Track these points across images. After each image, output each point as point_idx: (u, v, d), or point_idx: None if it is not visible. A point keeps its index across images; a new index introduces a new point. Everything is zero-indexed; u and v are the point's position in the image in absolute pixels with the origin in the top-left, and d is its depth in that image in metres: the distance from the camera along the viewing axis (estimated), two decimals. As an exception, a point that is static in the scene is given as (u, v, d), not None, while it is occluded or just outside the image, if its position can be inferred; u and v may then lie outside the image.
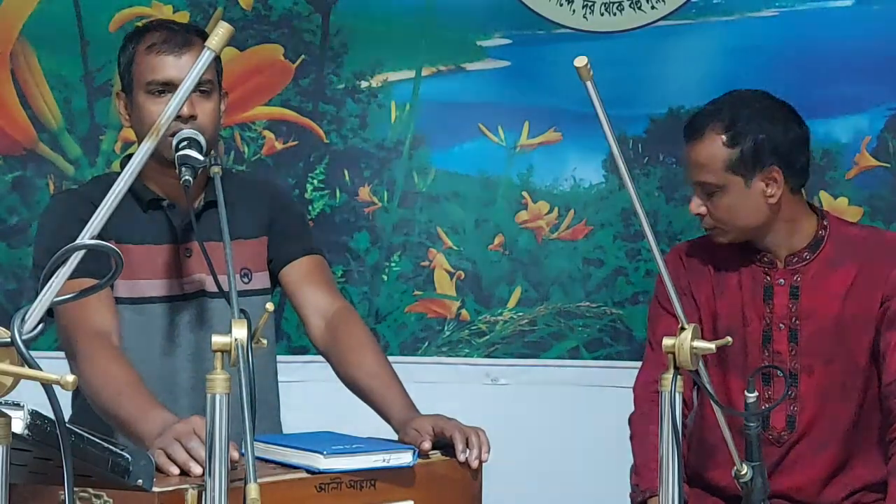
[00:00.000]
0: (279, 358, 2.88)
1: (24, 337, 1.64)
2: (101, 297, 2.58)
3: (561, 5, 3.75)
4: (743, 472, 2.30)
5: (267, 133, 3.85)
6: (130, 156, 1.97)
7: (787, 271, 2.90)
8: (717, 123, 2.84)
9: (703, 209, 2.87)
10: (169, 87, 2.59)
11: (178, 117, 2.53)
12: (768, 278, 2.91)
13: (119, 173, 1.84)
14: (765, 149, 2.82)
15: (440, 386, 3.60)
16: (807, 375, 2.88)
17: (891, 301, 2.85)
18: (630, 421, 2.97)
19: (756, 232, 2.88)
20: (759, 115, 2.85)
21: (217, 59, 2.67)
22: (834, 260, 2.89)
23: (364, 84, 3.84)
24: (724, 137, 2.83)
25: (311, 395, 3.36)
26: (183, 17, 3.74)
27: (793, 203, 2.89)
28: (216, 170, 2.45)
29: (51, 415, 1.73)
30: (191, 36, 2.65)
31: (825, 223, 2.93)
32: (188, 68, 1.90)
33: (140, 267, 2.66)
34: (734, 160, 2.83)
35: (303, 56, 3.84)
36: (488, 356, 3.83)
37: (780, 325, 2.89)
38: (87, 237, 1.76)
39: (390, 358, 2.76)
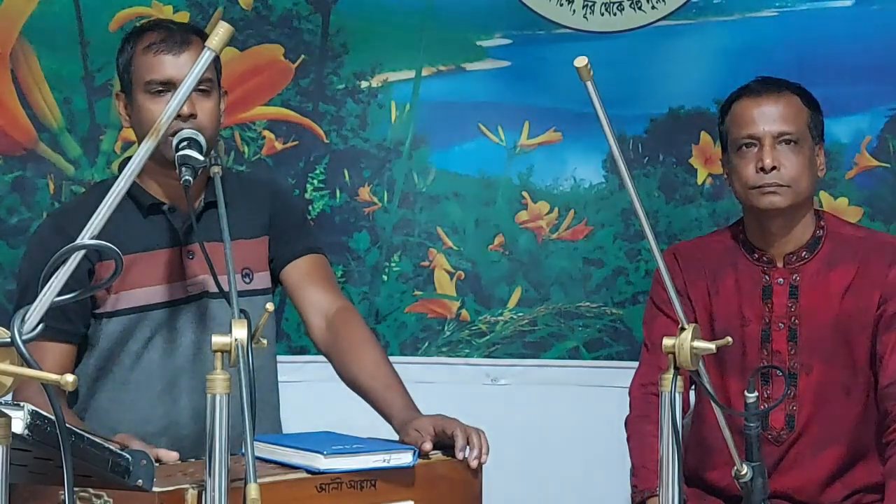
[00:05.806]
0: (279, 358, 2.87)
1: (24, 337, 1.64)
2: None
3: (561, 5, 3.74)
4: (743, 473, 2.30)
5: (267, 133, 3.84)
6: (129, 158, 1.97)
7: (786, 270, 2.90)
8: (787, 88, 2.89)
9: (777, 162, 2.83)
10: (168, 86, 2.59)
11: (178, 116, 2.53)
12: (767, 277, 2.91)
13: (119, 177, 1.84)
14: (822, 123, 2.91)
15: (440, 386, 3.60)
16: (805, 374, 2.88)
17: (888, 303, 2.85)
18: (626, 422, 2.96)
19: (799, 206, 2.86)
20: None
21: (216, 58, 2.67)
22: (832, 259, 2.89)
23: (364, 84, 3.84)
24: (798, 99, 2.88)
25: (311, 395, 3.35)
26: (183, 17, 3.74)
27: None
28: (216, 170, 2.45)
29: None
30: (189, 35, 2.64)
31: (822, 223, 2.93)
32: (187, 67, 1.90)
33: (141, 276, 2.66)
34: (810, 118, 2.88)
35: (303, 56, 3.83)
36: (488, 356, 3.82)
37: (780, 324, 2.89)
38: (87, 237, 1.76)
39: (390, 358, 2.76)
